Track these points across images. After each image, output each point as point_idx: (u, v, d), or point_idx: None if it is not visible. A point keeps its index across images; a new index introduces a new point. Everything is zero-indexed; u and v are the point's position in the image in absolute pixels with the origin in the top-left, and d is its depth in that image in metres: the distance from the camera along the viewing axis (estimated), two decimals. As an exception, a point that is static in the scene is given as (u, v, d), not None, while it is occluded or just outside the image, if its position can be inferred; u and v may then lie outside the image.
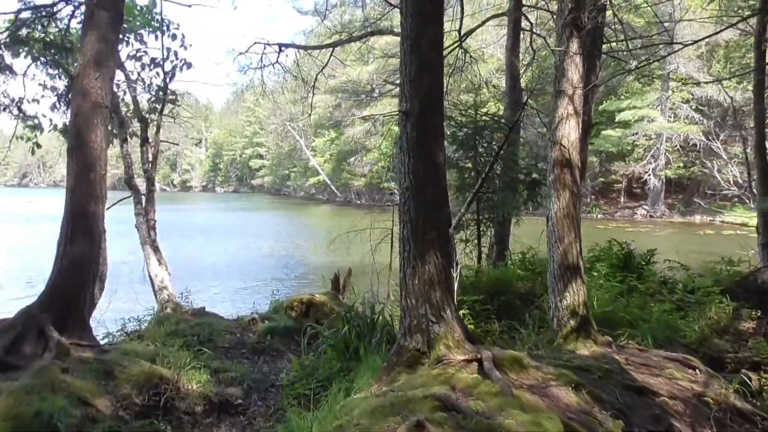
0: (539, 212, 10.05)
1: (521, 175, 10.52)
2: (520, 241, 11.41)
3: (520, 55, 12.66)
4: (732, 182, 39.76)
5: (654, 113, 43.64)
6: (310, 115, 14.22)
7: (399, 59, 6.11)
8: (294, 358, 7.60)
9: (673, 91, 43.42)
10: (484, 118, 10.12)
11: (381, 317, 7.16)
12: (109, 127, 8.07)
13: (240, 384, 6.77)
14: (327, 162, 69.10)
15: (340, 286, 9.60)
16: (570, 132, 7.17)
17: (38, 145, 10.63)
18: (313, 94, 13.54)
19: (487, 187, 10.33)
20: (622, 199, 49.88)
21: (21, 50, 9.83)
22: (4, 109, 9.94)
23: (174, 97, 11.59)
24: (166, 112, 11.85)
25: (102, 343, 7.27)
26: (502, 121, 10.25)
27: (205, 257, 23.47)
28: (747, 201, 41.02)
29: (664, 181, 45.82)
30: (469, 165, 10.68)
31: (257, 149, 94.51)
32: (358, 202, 65.35)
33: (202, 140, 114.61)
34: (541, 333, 7.73)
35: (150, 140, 10.65)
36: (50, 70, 10.14)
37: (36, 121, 10.46)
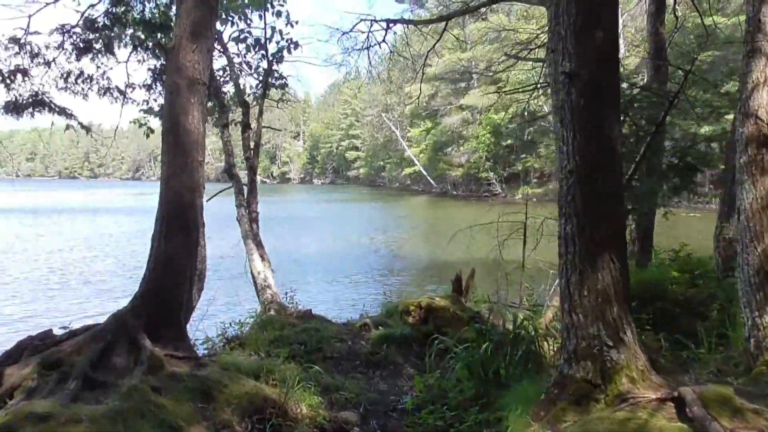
0: (684, 204, 8.46)
1: (674, 159, 8.88)
2: (667, 236, 9.78)
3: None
4: None
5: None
6: (418, 97, 13.09)
7: (548, 17, 4.86)
8: (416, 374, 6.48)
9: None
10: (633, 90, 8.55)
11: (524, 331, 5.88)
12: (208, 110, 7.23)
13: (355, 407, 5.72)
14: (422, 152, 67.98)
15: (462, 288, 8.38)
16: (768, 101, 5.62)
17: (151, 130, 10.08)
18: (423, 73, 12.37)
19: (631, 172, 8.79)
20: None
21: (122, 33, 9.28)
22: (105, 93, 9.39)
23: (284, 80, 10.78)
24: (273, 97, 11.12)
25: (201, 352, 6.44)
26: (653, 93, 8.64)
27: (307, 251, 22.72)
28: None
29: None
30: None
31: (353, 141, 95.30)
32: (455, 192, 63.84)
33: (300, 133, 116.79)
34: (719, 353, 6.22)
35: (252, 126, 9.84)
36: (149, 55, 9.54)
37: (147, 105, 9.92)
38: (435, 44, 10.99)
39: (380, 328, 7.55)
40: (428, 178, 67.42)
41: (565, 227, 4.50)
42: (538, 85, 9.74)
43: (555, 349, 6.61)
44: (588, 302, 4.34)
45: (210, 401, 4.95)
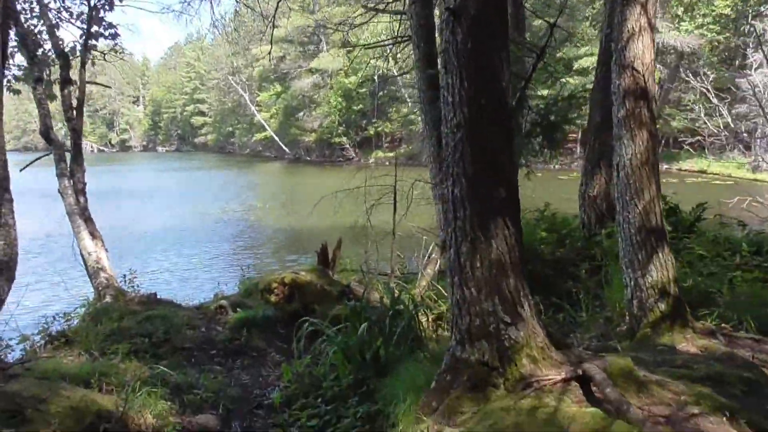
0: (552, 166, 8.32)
1: (537, 117, 8.72)
2: (531, 197, 9.69)
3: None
4: (686, 130, 39.43)
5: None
6: (270, 53, 11.95)
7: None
8: (283, 362, 5.73)
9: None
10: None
11: (402, 305, 5.31)
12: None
13: (213, 407, 4.86)
14: (273, 117, 66.02)
15: (329, 260, 7.66)
16: (644, 52, 5.43)
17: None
18: (273, 27, 11.27)
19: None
20: (578, 150, 48.94)
21: None
22: None
23: (114, 29, 9.31)
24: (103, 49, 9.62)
25: (13, 357, 5.23)
26: (519, 46, 8.35)
27: (149, 226, 20.46)
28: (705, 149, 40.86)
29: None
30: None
31: (198, 106, 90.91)
32: (308, 158, 62.89)
33: (139, 98, 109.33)
34: (597, 315, 6.09)
35: (74, 82, 8.35)
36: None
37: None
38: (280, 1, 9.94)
39: (239, 310, 6.67)
40: (280, 143, 65.69)
41: (453, 190, 3.92)
42: (398, 39, 9.14)
43: (431, 321, 6.17)
44: (481, 274, 3.81)
45: (22, 424, 3.87)
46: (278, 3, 10.83)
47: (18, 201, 5.19)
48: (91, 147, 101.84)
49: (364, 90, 54.86)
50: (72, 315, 6.40)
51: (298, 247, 15.20)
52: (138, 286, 7.58)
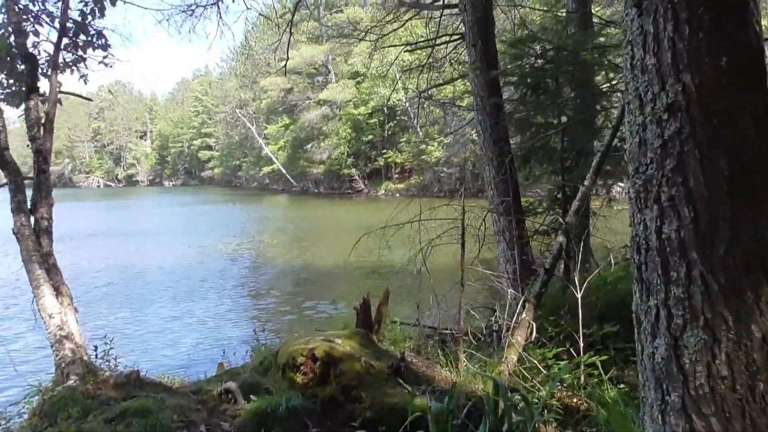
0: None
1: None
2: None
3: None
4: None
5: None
6: (285, 63, 10.39)
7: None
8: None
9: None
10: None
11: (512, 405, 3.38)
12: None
13: None
14: (281, 150, 64.70)
15: (371, 320, 5.74)
16: None
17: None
18: (288, 50, 9.67)
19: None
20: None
21: None
22: None
23: (104, 39, 7.69)
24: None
25: None
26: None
27: (145, 266, 18.14)
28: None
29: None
30: (543, 119, 7.04)
31: (206, 140, 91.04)
32: (316, 190, 61.35)
33: (147, 132, 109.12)
34: None
35: (42, 92, 6.58)
36: None
37: None
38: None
39: (252, 397, 4.74)
40: (287, 176, 64.21)
41: (661, 227, 2.05)
42: (450, 38, 7.37)
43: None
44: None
45: None
46: (280, 38, 9.19)
47: None
48: (98, 182, 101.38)
49: (373, 120, 53.53)
50: (14, 413, 4.49)
51: (314, 290, 13.12)
52: (117, 359, 5.69)
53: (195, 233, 27.23)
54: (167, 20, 10.68)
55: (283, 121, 64.05)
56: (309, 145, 60.06)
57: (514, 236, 6.51)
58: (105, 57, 8.20)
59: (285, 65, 11.67)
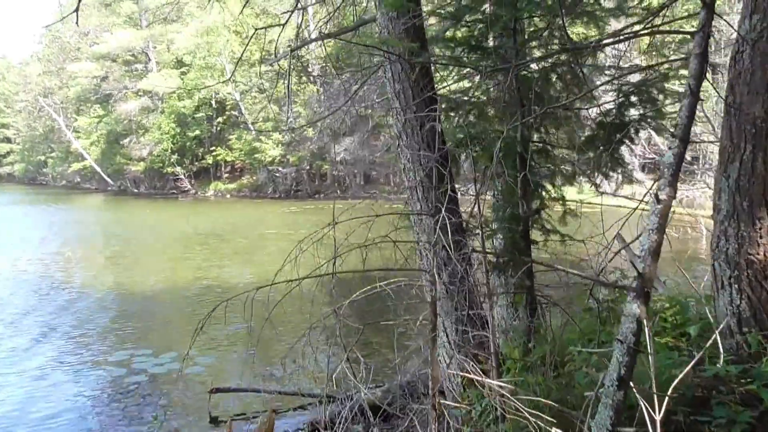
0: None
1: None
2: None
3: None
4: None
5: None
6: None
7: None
8: None
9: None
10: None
11: None
12: None
13: None
14: (94, 144, 58.06)
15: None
16: None
17: None
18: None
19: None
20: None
21: None
22: None
23: None
24: None
25: None
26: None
27: None
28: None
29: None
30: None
31: (3, 131, 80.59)
32: (136, 190, 55.98)
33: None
34: None
35: None
36: None
37: None
38: None
39: None
40: (102, 174, 57.83)
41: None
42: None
43: None
44: None
45: None
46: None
47: None
48: None
49: (200, 114, 49.68)
50: None
51: (130, 330, 10.22)
52: None
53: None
54: None
55: (96, 113, 57.57)
56: (127, 140, 54.38)
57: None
58: None
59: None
